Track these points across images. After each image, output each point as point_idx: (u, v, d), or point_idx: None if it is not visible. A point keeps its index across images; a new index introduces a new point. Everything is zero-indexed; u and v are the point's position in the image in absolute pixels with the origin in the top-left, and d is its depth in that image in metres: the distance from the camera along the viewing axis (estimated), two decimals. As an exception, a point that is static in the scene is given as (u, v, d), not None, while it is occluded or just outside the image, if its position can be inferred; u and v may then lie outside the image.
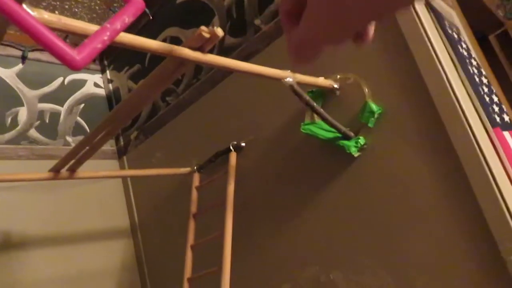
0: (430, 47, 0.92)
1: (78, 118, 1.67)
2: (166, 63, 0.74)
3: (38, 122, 1.54)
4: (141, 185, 1.61)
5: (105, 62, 1.84)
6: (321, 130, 1.03)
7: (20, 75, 1.54)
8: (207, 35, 0.69)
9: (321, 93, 1.08)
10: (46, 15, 0.52)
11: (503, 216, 0.80)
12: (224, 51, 1.37)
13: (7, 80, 1.50)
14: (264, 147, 1.22)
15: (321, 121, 1.04)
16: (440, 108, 0.89)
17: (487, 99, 1.06)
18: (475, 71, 1.12)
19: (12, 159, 1.41)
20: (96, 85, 1.78)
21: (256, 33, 1.29)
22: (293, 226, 1.14)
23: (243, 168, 1.22)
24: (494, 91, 1.17)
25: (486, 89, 1.11)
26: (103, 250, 1.51)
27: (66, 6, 1.56)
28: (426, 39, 0.92)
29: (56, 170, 1.10)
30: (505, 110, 1.14)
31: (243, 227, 1.20)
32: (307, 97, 0.93)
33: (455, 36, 1.11)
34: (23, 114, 1.50)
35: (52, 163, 1.11)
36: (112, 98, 1.78)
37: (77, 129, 1.64)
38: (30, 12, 0.40)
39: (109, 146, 1.71)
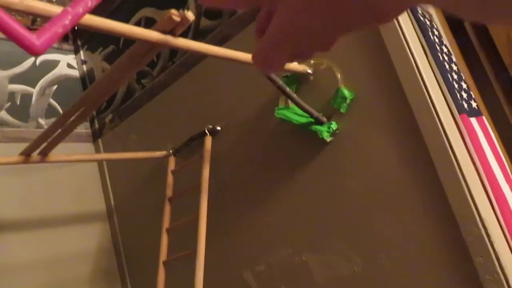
0: (401, 34, 0.93)
1: (51, 100, 1.63)
2: (136, 47, 0.73)
3: (8, 104, 1.50)
4: (117, 168, 1.60)
5: (79, 43, 1.79)
6: (295, 115, 1.04)
7: (-11, 55, 1.49)
8: (177, 19, 0.68)
9: (295, 78, 1.09)
10: (7, -4, 0.50)
11: (466, 200, 0.83)
12: (199, 33, 1.35)
13: (-25, 60, 1.46)
14: (239, 131, 1.22)
15: (294, 106, 1.05)
16: (409, 93, 0.91)
17: (456, 85, 1.09)
18: (446, 58, 1.15)
19: (-18, 142, 1.37)
20: (69, 66, 1.74)
21: (231, 16, 1.27)
22: (267, 209, 1.16)
23: (218, 152, 1.23)
24: (464, 77, 1.20)
25: (455, 76, 1.14)
26: (79, 234, 1.51)
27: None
28: (398, 26, 0.94)
29: (27, 154, 1.08)
30: (473, 96, 1.17)
31: (217, 210, 1.21)
32: (280, 82, 0.94)
33: (427, 22, 1.13)
34: (-8, 95, 1.46)
35: (24, 146, 1.09)
36: (86, 80, 1.74)
37: (50, 112, 1.61)
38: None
39: (83, 128, 1.68)
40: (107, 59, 1.68)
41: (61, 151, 1.14)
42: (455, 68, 1.18)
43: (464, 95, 1.11)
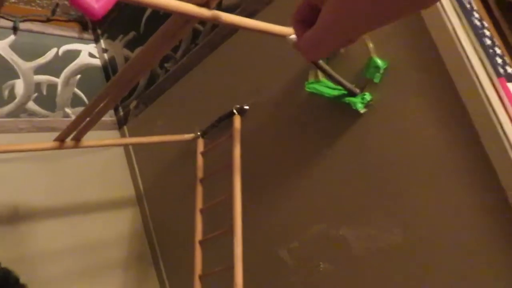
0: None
1: (76, 89, 1.64)
2: (171, 21, 0.73)
3: (35, 95, 1.51)
4: (144, 153, 1.61)
5: (98, 32, 1.79)
6: (326, 88, 1.02)
7: (13, 47, 1.51)
8: (212, -10, 0.67)
9: (325, 51, 1.07)
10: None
11: (511, 164, 0.81)
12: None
13: (1, 52, 1.47)
14: (268, 109, 1.21)
15: (325, 79, 1.03)
16: (447, 59, 0.89)
17: (491, 51, 1.06)
18: (478, 23, 1.12)
19: (13, 132, 1.39)
20: (91, 55, 1.75)
21: (254, -8, 1.26)
22: (300, 186, 1.15)
23: (247, 131, 1.22)
24: (496, 43, 1.17)
25: (489, 41, 1.11)
26: (109, 220, 1.53)
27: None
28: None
29: (61, 140, 1.09)
30: (507, 62, 1.14)
31: (249, 189, 1.21)
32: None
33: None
34: (20, 86, 1.48)
35: (53, 135, 1.11)
36: (108, 68, 1.75)
37: (75, 101, 1.62)
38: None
39: (108, 117, 1.69)
40: (128, 45, 1.68)
41: (89, 138, 1.15)
42: (487, 33, 1.15)
43: (499, 61, 1.08)
